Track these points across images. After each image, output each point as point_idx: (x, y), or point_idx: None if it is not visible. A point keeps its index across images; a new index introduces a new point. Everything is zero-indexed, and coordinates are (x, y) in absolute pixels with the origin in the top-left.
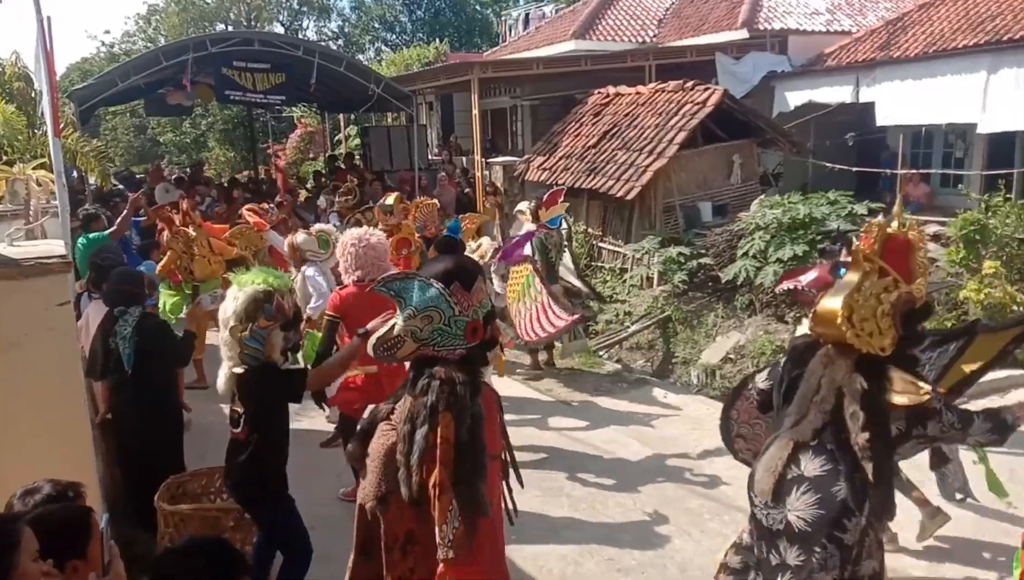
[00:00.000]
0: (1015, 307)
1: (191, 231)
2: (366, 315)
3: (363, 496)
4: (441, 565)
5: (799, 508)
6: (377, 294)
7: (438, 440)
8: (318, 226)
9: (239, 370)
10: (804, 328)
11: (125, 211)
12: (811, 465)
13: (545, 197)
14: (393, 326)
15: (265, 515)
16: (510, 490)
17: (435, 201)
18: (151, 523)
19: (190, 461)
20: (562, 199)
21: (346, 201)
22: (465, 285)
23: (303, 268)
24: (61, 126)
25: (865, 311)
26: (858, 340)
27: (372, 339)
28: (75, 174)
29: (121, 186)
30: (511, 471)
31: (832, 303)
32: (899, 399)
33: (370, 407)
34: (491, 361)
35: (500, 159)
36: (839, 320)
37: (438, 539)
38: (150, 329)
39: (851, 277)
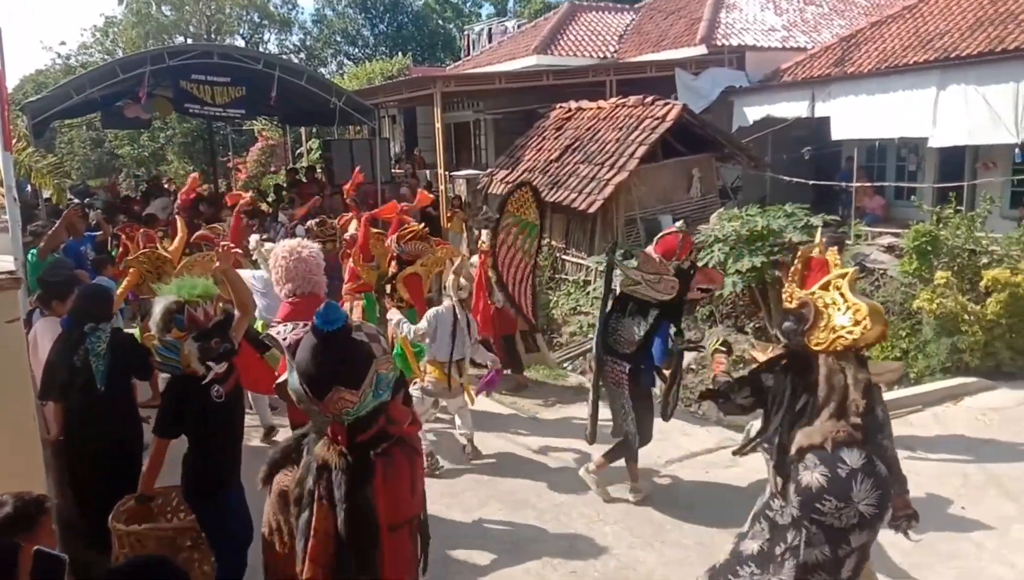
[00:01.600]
0: (966, 316)
1: (161, 249)
2: None
3: (264, 521)
4: None
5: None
6: (312, 304)
7: (314, 531)
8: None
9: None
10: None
11: (54, 228)
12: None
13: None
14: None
15: (199, 512)
16: (425, 546)
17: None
18: (106, 545)
19: None
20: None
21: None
22: (317, 393)
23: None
24: (13, 140)
25: None
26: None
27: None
28: (28, 188)
29: (77, 201)
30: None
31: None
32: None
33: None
34: (459, 391)
35: (463, 173)
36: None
37: None
38: (125, 345)
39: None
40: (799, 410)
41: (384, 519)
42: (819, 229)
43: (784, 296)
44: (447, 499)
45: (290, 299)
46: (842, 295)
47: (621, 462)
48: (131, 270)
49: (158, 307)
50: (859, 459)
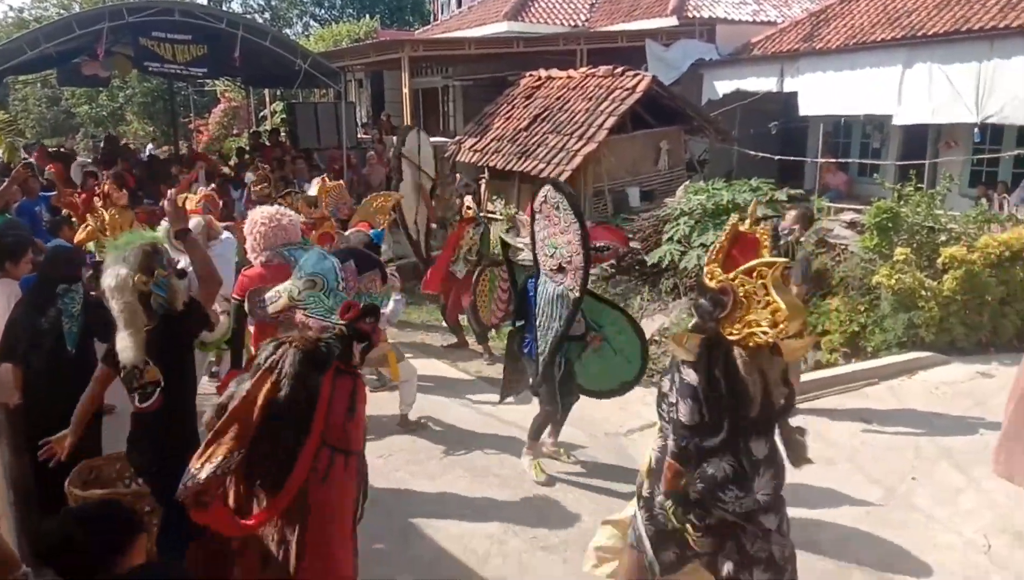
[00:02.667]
0: (923, 292)
1: (107, 213)
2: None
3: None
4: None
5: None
6: (284, 274)
7: (244, 395)
8: None
9: (148, 327)
10: None
11: (3, 186)
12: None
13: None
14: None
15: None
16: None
17: (340, 182)
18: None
19: (106, 446)
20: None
21: (261, 190)
22: (360, 268)
23: None
24: None
25: None
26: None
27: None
28: None
29: (32, 159)
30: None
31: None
32: None
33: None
34: (382, 363)
35: (431, 140)
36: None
37: (187, 471)
38: (97, 308)
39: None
40: (723, 398)
41: (318, 426)
42: (754, 201)
43: (704, 273)
44: (411, 467)
45: (265, 265)
46: (764, 287)
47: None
48: (88, 227)
49: (131, 255)
50: (764, 449)
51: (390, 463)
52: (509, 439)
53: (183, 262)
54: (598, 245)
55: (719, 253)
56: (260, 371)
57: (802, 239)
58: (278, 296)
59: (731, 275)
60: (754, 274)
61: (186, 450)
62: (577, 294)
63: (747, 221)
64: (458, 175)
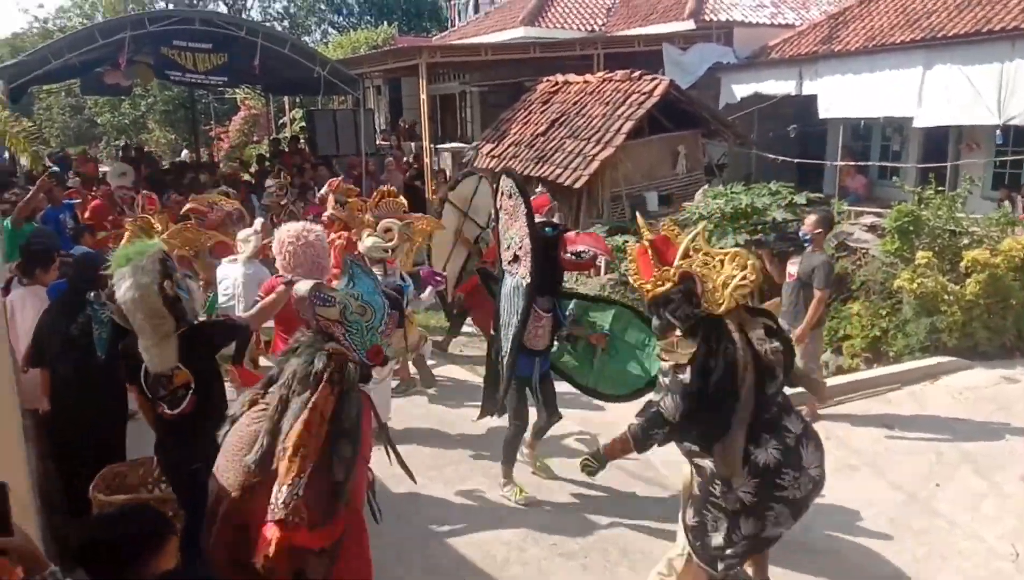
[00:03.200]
0: (945, 296)
1: (154, 220)
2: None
3: (228, 485)
4: (270, 525)
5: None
6: None
7: (313, 406)
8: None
9: (179, 331)
10: None
11: (28, 195)
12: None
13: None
14: (329, 287)
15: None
16: (373, 495)
17: (402, 200)
18: (87, 515)
19: (129, 451)
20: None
21: (277, 198)
22: (399, 320)
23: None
24: None
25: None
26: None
27: (308, 285)
28: (5, 155)
29: (56, 168)
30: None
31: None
32: None
33: (243, 395)
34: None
35: (449, 145)
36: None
37: (273, 498)
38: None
39: None
40: (727, 386)
41: (367, 438)
42: (637, 213)
43: (654, 287)
44: (431, 472)
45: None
46: (707, 254)
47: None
48: (127, 233)
49: (147, 263)
50: (798, 423)
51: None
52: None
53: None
54: (578, 250)
55: (652, 262)
56: (320, 384)
57: (824, 243)
58: (332, 302)
59: (675, 265)
60: (689, 253)
61: (215, 454)
62: (529, 280)
63: (646, 234)
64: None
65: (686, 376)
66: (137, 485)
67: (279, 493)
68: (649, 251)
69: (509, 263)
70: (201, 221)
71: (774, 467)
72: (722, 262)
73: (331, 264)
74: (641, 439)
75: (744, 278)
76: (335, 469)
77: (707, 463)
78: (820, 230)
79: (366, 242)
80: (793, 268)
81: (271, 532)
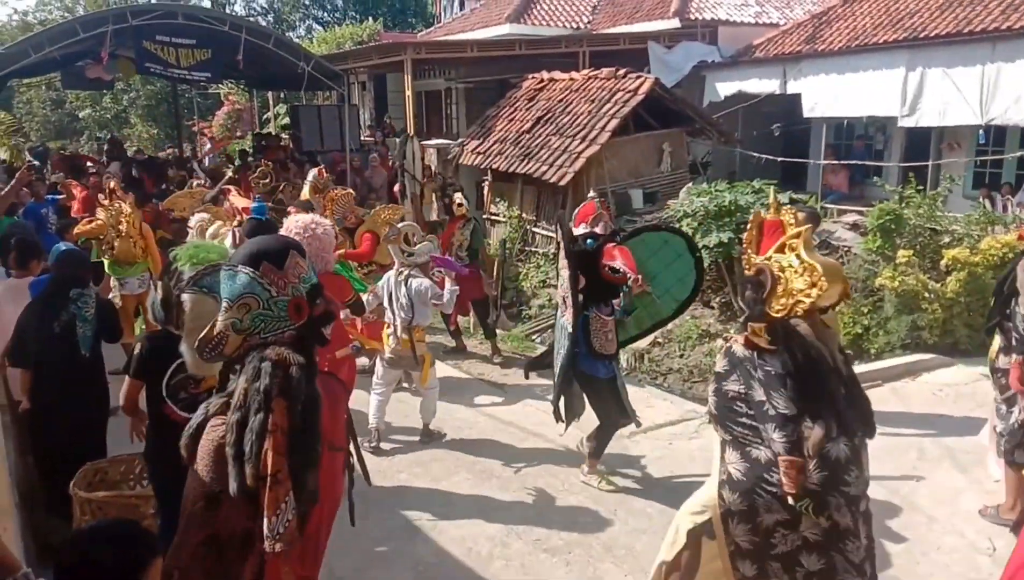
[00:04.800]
0: (926, 294)
1: (125, 206)
2: None
3: (186, 497)
4: (272, 563)
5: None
6: (327, 279)
7: (272, 428)
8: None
9: None
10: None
11: (6, 189)
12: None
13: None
14: (214, 324)
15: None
16: (351, 485)
17: (349, 190)
18: (68, 511)
19: (110, 447)
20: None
21: (264, 185)
22: (276, 263)
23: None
24: None
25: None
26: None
27: (193, 343)
28: None
29: (37, 162)
30: (357, 466)
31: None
32: None
33: (204, 403)
34: (417, 369)
35: (434, 142)
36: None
37: (266, 531)
38: (107, 310)
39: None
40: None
41: (325, 431)
42: (771, 191)
43: (744, 265)
44: (415, 468)
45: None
46: (798, 257)
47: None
48: (98, 221)
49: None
50: (861, 427)
51: (393, 465)
52: (512, 441)
53: None
54: (614, 265)
55: (749, 244)
56: (271, 400)
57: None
58: (224, 337)
59: (765, 256)
60: (785, 249)
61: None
62: (571, 330)
63: (770, 209)
64: (439, 175)
65: (774, 366)
66: (119, 482)
67: (270, 526)
68: (754, 231)
69: (560, 300)
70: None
71: (844, 462)
72: (803, 270)
73: (334, 258)
74: (797, 448)
75: (807, 294)
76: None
77: (762, 451)
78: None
79: (418, 247)
80: None
81: (276, 572)
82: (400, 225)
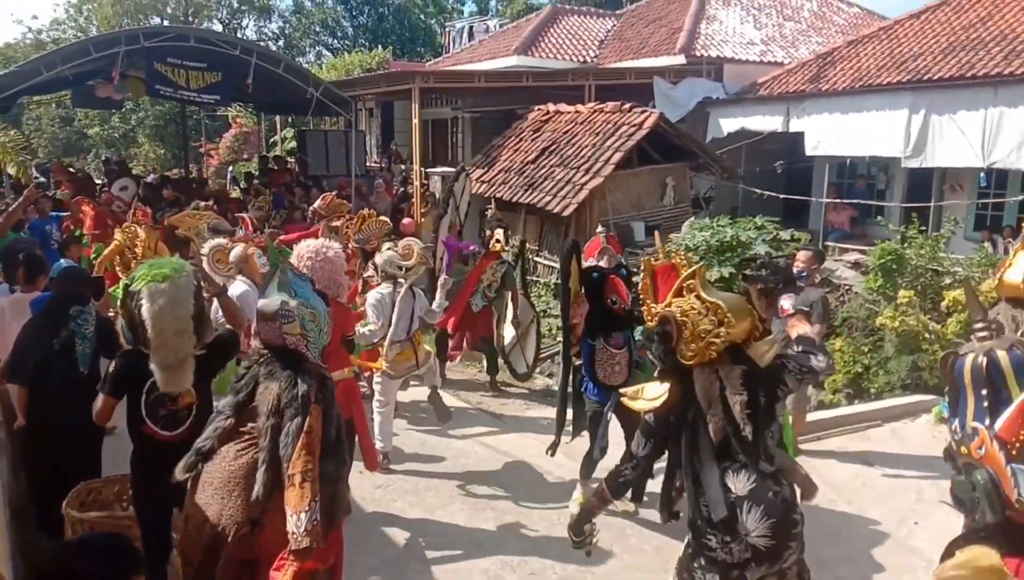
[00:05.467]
0: (927, 334)
1: (141, 231)
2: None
3: (226, 522)
4: (289, 555)
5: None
6: (336, 308)
7: (307, 429)
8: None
9: (197, 353)
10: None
11: (14, 205)
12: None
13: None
14: (275, 298)
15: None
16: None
17: (385, 220)
18: (59, 531)
19: (104, 467)
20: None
21: (262, 213)
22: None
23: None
24: None
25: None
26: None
27: (274, 304)
28: None
29: (43, 179)
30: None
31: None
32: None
33: (210, 426)
34: (416, 370)
35: (439, 169)
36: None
37: (291, 527)
38: (107, 327)
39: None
40: (692, 432)
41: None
42: (656, 233)
43: (644, 316)
44: (410, 497)
45: None
46: (698, 297)
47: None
48: (115, 242)
49: (184, 280)
50: (746, 483)
51: (388, 494)
52: (509, 472)
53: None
54: (611, 298)
55: (646, 291)
56: (309, 406)
57: (816, 278)
58: (293, 317)
59: (664, 303)
60: (683, 291)
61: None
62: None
63: (658, 255)
64: (490, 209)
65: (651, 417)
66: (111, 502)
67: (297, 522)
68: (647, 279)
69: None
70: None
71: (700, 524)
72: (707, 310)
73: (347, 282)
74: (612, 482)
75: (716, 334)
76: (325, 488)
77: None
78: (815, 266)
79: (383, 255)
80: (786, 303)
81: (294, 563)
82: (407, 239)
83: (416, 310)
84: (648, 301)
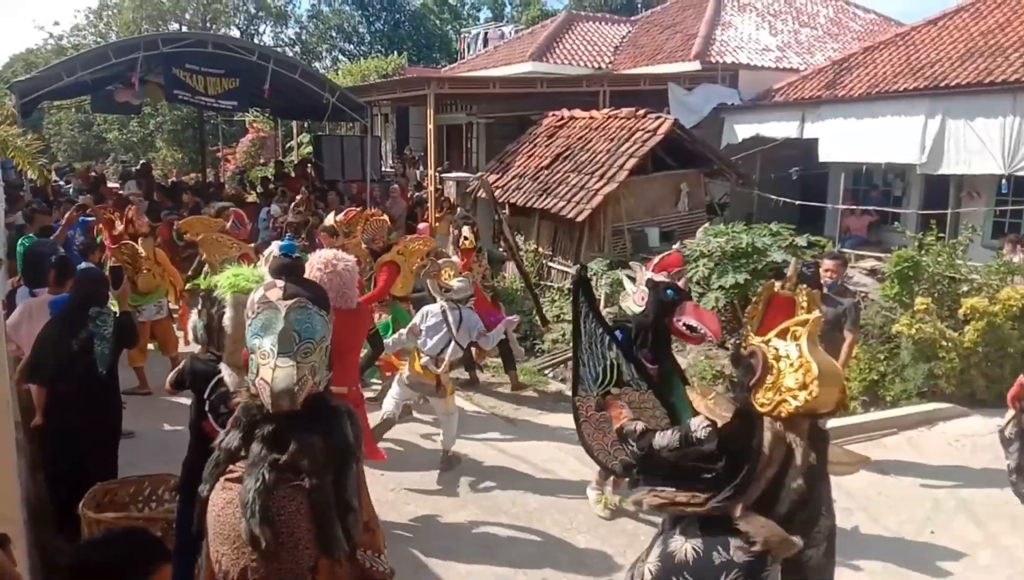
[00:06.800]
0: (944, 342)
1: (139, 246)
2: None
3: (293, 574)
4: None
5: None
6: (342, 318)
7: (360, 471)
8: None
9: None
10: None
11: (59, 230)
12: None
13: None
14: (286, 369)
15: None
16: None
17: (385, 217)
18: (76, 531)
19: (121, 468)
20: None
21: (302, 215)
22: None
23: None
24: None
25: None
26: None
27: (285, 379)
28: (13, 169)
29: (61, 182)
30: None
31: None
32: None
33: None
34: (435, 395)
35: (454, 175)
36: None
37: (380, 568)
38: (128, 327)
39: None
40: (740, 477)
41: None
42: (793, 261)
43: (742, 339)
44: (422, 501)
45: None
46: (798, 348)
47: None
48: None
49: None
50: (744, 556)
51: (400, 497)
52: (521, 476)
53: None
54: (691, 324)
55: (752, 317)
56: (352, 453)
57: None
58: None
59: (764, 338)
60: (787, 335)
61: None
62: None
63: (785, 284)
64: (458, 208)
65: (700, 429)
66: (127, 503)
67: (383, 563)
68: (761, 306)
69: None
70: (237, 227)
71: (678, 563)
72: (799, 367)
73: (357, 294)
74: (645, 446)
75: (794, 395)
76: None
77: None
78: (844, 273)
79: (455, 284)
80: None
81: None
82: (441, 261)
83: (463, 328)
84: (751, 327)
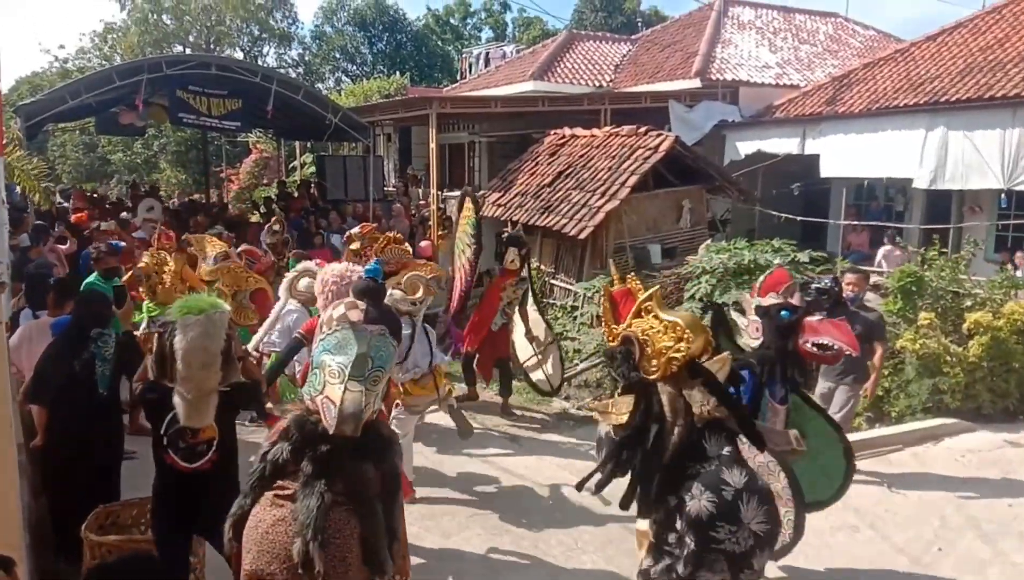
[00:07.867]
0: (948, 357)
1: (169, 259)
2: None
3: None
4: None
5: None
6: None
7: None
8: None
9: (223, 389)
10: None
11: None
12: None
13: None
14: (355, 394)
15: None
16: None
17: (407, 247)
18: (77, 554)
19: (123, 491)
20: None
21: (277, 235)
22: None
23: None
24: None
25: None
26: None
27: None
28: (17, 192)
29: (66, 203)
30: None
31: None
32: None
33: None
34: (436, 405)
35: (456, 193)
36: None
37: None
38: (132, 348)
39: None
40: (655, 443)
41: None
42: (611, 261)
43: (606, 337)
44: (425, 522)
45: None
46: (656, 317)
47: None
48: (141, 265)
49: (219, 317)
50: (741, 477)
51: (404, 518)
52: (526, 496)
53: None
54: (822, 342)
55: (607, 315)
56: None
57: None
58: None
59: (624, 324)
60: (642, 313)
61: (220, 513)
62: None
63: (613, 282)
64: (506, 231)
65: (611, 430)
66: (129, 525)
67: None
68: (607, 303)
69: None
70: (251, 263)
71: (707, 519)
72: (665, 329)
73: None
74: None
75: (677, 350)
76: None
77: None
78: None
79: (394, 294)
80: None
81: None
82: (408, 274)
83: (433, 342)
84: (610, 323)
